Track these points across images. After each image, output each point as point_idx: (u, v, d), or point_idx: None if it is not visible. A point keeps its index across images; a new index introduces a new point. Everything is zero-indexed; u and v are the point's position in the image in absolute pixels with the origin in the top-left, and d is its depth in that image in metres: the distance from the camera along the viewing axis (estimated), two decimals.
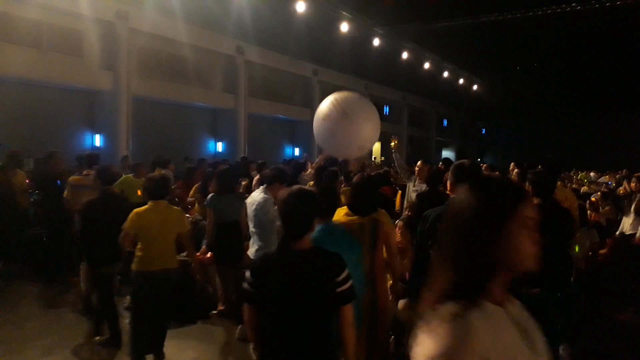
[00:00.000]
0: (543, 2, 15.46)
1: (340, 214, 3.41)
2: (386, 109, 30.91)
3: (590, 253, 4.83)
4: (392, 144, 7.32)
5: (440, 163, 7.29)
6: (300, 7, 13.69)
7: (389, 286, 3.57)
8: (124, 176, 7.42)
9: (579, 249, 4.66)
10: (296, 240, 2.20)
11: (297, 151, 23.49)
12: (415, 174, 6.26)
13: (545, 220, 3.22)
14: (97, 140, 14.75)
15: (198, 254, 5.13)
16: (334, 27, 15.85)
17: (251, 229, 4.51)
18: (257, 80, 19.59)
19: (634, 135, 30.05)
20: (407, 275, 3.88)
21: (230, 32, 16.50)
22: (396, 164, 7.02)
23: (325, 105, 3.97)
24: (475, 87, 28.12)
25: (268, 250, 4.20)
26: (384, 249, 3.39)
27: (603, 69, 22.74)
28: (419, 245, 3.22)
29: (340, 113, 3.85)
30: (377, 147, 30.44)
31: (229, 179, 5.28)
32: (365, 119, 4.12)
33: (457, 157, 38.58)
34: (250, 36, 17.07)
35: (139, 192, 6.53)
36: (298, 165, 8.42)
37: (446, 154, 38.53)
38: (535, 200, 3.53)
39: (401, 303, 3.80)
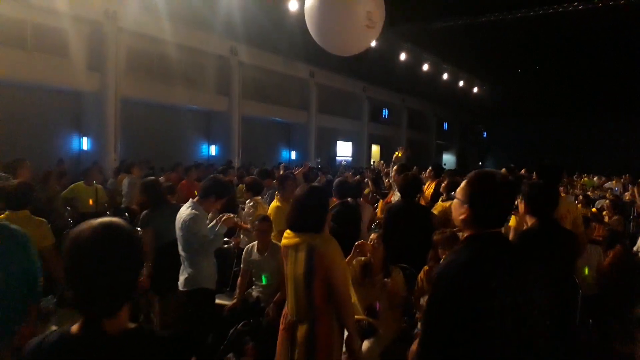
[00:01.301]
0: (544, 1, 15.05)
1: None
2: (385, 112, 30.51)
3: (597, 272, 4.32)
4: (398, 154, 6.86)
5: (430, 169, 6.75)
6: (293, 6, 13.28)
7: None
8: (73, 184, 6.84)
9: (588, 271, 4.16)
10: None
11: (293, 154, 23.08)
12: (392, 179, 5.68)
13: (544, 247, 2.75)
14: (84, 143, 14.33)
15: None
16: None
17: (180, 251, 3.74)
18: (251, 81, 19.18)
19: (637, 137, 29.56)
20: (377, 305, 3.37)
21: (223, 32, 16.08)
22: (390, 169, 6.49)
23: None
24: (475, 89, 27.69)
25: (200, 278, 3.60)
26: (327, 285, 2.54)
27: (606, 69, 22.30)
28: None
29: None
30: (376, 150, 30.07)
31: (157, 190, 4.56)
32: None
33: (458, 161, 38.17)
34: (244, 37, 16.64)
35: (91, 201, 6.04)
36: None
37: (446, 157, 38.12)
38: (530, 221, 3.02)
39: (365, 344, 3.18)
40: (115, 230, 1.38)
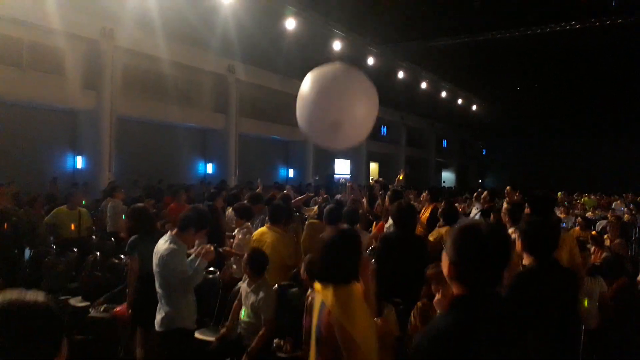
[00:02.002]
0: (541, 20, 15.05)
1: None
2: (384, 130, 30.44)
3: (599, 305, 4.10)
4: (400, 177, 6.73)
5: (426, 192, 6.55)
6: (290, 25, 13.26)
7: None
8: (56, 209, 6.63)
9: (588, 302, 3.95)
10: None
11: (291, 172, 22.93)
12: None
13: (543, 291, 2.56)
14: (79, 162, 14.19)
15: (117, 309, 4.29)
16: (327, 46, 15.41)
17: (157, 288, 3.50)
18: (248, 99, 19.12)
19: (637, 156, 29.47)
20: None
21: (220, 50, 16.05)
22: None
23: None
24: (474, 106, 27.64)
25: (177, 317, 3.37)
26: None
27: (605, 87, 22.27)
28: None
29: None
30: (374, 168, 29.94)
31: (145, 216, 4.35)
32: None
33: (458, 179, 38.03)
34: (242, 55, 16.63)
35: (73, 227, 5.86)
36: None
37: (446, 175, 38.01)
38: (527, 260, 2.81)
39: None
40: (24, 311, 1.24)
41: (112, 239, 6.58)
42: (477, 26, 15.60)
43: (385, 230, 5.08)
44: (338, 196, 12.63)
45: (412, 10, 14.20)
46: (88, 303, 4.96)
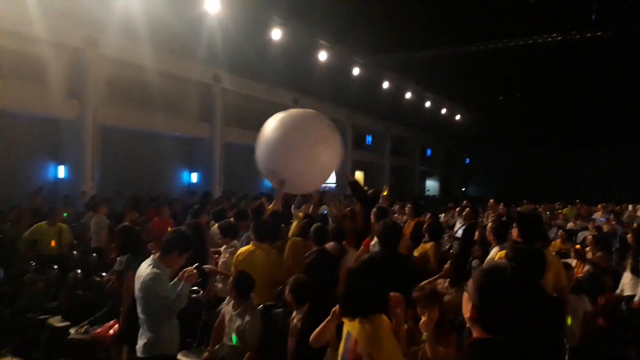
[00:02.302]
0: (524, 32, 15.29)
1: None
2: (369, 139, 30.59)
3: (583, 323, 4.14)
4: (384, 192, 6.76)
5: (410, 207, 6.51)
6: (276, 35, 13.27)
7: None
8: (36, 224, 6.49)
9: (571, 320, 3.98)
10: None
11: None
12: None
13: (532, 318, 2.56)
14: (61, 172, 13.97)
15: (98, 330, 4.20)
16: (313, 56, 15.47)
17: (139, 313, 3.43)
18: (233, 108, 19.05)
19: (618, 166, 30.03)
20: None
21: (206, 60, 15.99)
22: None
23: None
24: (458, 116, 27.93)
25: (160, 343, 3.30)
26: None
27: (585, 98, 22.68)
28: None
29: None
30: (360, 177, 30.00)
31: (132, 235, 4.27)
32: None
33: (441, 187, 38.35)
34: (227, 64, 16.58)
35: (53, 243, 5.75)
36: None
37: (430, 183, 38.30)
38: None
39: None
40: None
41: (95, 254, 6.44)
42: (461, 38, 15.80)
43: (370, 247, 5.06)
44: (323, 207, 12.64)
45: (396, 22, 14.33)
46: (68, 323, 4.85)
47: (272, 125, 4.32)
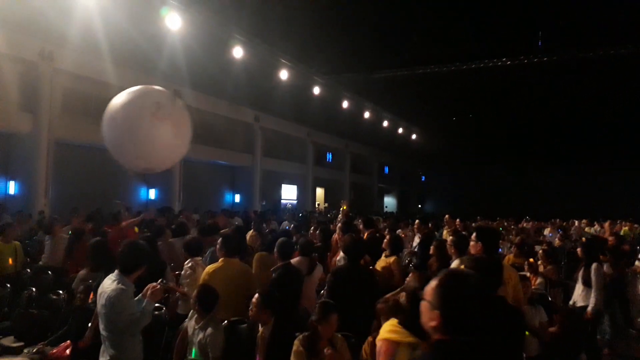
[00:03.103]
0: (476, 56, 16.00)
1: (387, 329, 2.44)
2: (329, 156, 30.98)
3: (539, 334, 4.36)
4: (343, 207, 6.88)
5: (362, 220, 6.58)
6: (238, 53, 13.35)
7: None
8: None
9: (528, 332, 4.19)
10: None
11: (237, 198, 22.73)
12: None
13: (493, 325, 2.66)
14: (11, 187, 13.44)
15: (54, 350, 4.06)
16: (274, 74, 15.62)
17: (101, 331, 3.37)
18: (194, 124, 18.77)
19: (566, 183, 31.55)
20: None
21: (166, 75, 15.82)
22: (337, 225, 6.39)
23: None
24: (414, 135, 28.72)
25: None
26: None
27: (535, 119, 23.86)
28: None
29: None
30: (320, 193, 30.22)
31: (106, 252, 4.22)
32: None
33: (399, 204, 39.10)
34: (189, 80, 16.47)
35: (10, 261, 5.57)
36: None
37: (388, 200, 39.00)
38: None
39: None
40: None
41: (49, 272, 6.22)
42: (416, 60, 16.36)
43: (336, 263, 5.15)
44: (285, 223, 12.70)
45: (355, 44, 14.72)
46: (22, 343, 4.68)
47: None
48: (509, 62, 16.22)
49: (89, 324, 4.16)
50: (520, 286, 3.90)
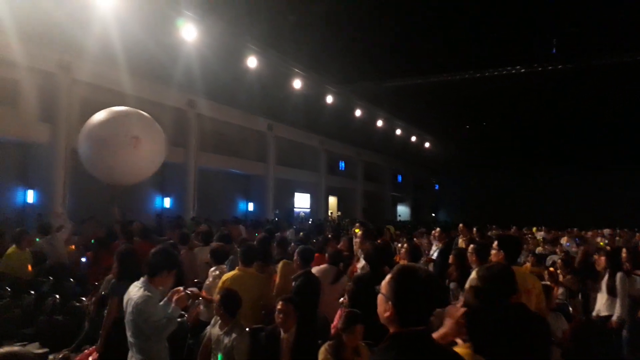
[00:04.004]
0: (490, 64, 16.00)
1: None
2: (342, 164, 31.01)
3: (559, 342, 4.31)
4: (356, 230, 6.88)
5: (357, 225, 6.49)
6: (252, 63, 13.49)
7: None
8: (7, 253, 6.30)
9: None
10: None
11: (251, 206, 22.83)
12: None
13: (510, 336, 2.65)
14: (30, 196, 13.65)
15: (78, 357, 4.09)
16: (287, 83, 15.74)
17: (128, 338, 3.38)
18: (209, 134, 19.09)
19: (583, 190, 31.19)
20: None
21: (181, 85, 16.07)
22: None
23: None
24: (427, 143, 28.66)
25: None
26: None
27: (549, 126, 23.71)
28: None
29: None
30: (333, 202, 30.22)
31: (135, 262, 4.18)
32: None
33: (412, 213, 38.91)
34: (203, 90, 16.69)
35: (30, 267, 5.65)
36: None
37: (401, 209, 38.85)
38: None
39: None
40: None
41: (72, 280, 6.29)
42: (429, 68, 16.39)
43: (358, 271, 5.14)
44: (290, 232, 12.74)
45: (368, 53, 14.81)
46: (47, 350, 4.76)
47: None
48: (523, 70, 16.19)
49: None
50: (543, 295, 3.87)
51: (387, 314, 1.78)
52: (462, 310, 2.35)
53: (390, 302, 1.77)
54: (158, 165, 5.04)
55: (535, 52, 14.73)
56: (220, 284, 4.49)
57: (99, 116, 4.47)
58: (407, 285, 1.78)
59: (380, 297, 1.84)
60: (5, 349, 1.48)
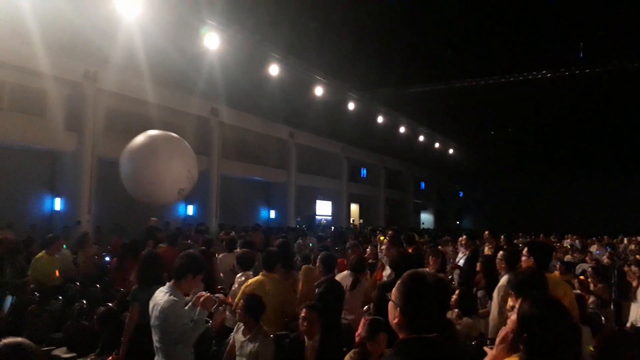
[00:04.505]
0: (514, 69, 15.75)
1: None
2: (364, 172, 30.87)
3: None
4: (382, 237, 6.79)
5: (389, 233, 6.34)
6: (274, 71, 13.55)
7: None
8: (35, 257, 6.38)
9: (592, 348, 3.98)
10: None
11: (273, 213, 22.89)
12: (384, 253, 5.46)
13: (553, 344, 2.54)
14: (57, 204, 13.92)
15: None
16: (309, 91, 15.77)
17: (155, 342, 3.36)
18: (231, 141, 19.25)
19: (610, 198, 30.39)
20: None
21: (204, 94, 16.26)
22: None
23: None
24: (451, 150, 28.33)
25: None
26: None
27: (576, 132, 23.21)
28: None
29: None
30: (355, 209, 30.09)
31: (157, 267, 4.21)
32: None
33: (436, 220, 38.46)
34: (225, 98, 16.85)
35: (57, 273, 5.72)
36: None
37: (424, 216, 38.45)
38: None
39: None
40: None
41: (98, 285, 6.37)
42: (452, 74, 16.22)
43: (384, 278, 5.07)
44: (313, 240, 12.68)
45: (390, 58, 14.72)
46: (74, 354, 4.80)
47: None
48: (549, 75, 15.88)
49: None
50: (575, 304, 3.74)
51: (396, 320, 1.76)
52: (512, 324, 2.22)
53: (398, 309, 1.75)
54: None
55: (562, 56, 14.44)
56: (242, 288, 4.47)
57: (147, 162, 4.60)
58: (416, 291, 1.75)
59: (390, 304, 1.82)
60: (10, 339, 1.50)
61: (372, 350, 3.34)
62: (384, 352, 3.39)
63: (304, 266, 5.27)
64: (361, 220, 28.55)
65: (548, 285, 3.06)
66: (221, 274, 6.44)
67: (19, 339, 1.52)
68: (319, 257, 4.70)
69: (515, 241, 12.05)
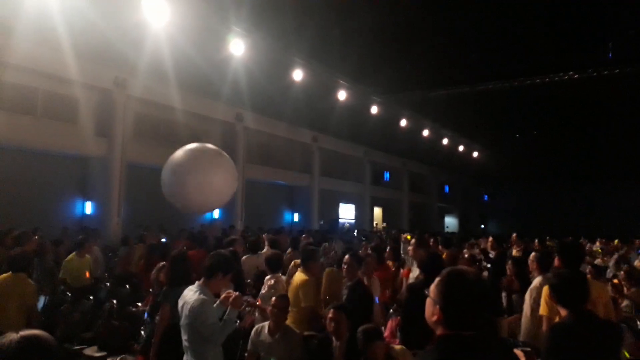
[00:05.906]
0: (540, 70, 15.50)
1: None
2: (387, 175, 30.73)
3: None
4: (408, 236, 6.82)
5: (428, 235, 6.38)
6: (297, 76, 13.65)
7: None
8: (66, 259, 6.55)
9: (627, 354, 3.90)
10: None
11: (296, 217, 22.99)
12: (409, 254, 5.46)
13: (581, 343, 2.54)
14: (88, 208, 14.29)
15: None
16: (332, 95, 15.83)
17: (184, 342, 3.39)
18: (255, 146, 19.45)
19: (636, 202, 29.58)
20: None
21: (229, 99, 16.49)
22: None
23: None
24: (475, 153, 27.98)
25: None
26: None
27: (604, 134, 22.66)
28: None
29: None
30: (378, 213, 29.97)
31: (186, 267, 4.26)
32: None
33: (460, 224, 37.99)
34: (250, 104, 17.05)
35: (87, 274, 5.86)
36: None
37: (449, 220, 38.02)
38: (563, 312, 2.78)
39: None
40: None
41: (127, 285, 6.52)
42: (476, 77, 16.05)
43: (411, 279, 5.06)
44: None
45: (413, 62, 14.64)
46: (104, 353, 4.92)
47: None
48: (577, 76, 15.55)
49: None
50: (611, 305, 3.67)
51: (435, 317, 1.77)
52: None
53: (437, 306, 1.76)
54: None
55: (590, 56, 14.14)
56: (292, 283, 4.59)
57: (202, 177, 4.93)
58: (456, 288, 1.76)
59: (428, 301, 1.83)
60: (28, 331, 1.49)
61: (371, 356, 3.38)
62: (392, 349, 3.42)
63: (327, 269, 5.29)
64: (384, 224, 28.41)
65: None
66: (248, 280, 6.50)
67: (37, 331, 1.51)
68: (346, 258, 4.71)
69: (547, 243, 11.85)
